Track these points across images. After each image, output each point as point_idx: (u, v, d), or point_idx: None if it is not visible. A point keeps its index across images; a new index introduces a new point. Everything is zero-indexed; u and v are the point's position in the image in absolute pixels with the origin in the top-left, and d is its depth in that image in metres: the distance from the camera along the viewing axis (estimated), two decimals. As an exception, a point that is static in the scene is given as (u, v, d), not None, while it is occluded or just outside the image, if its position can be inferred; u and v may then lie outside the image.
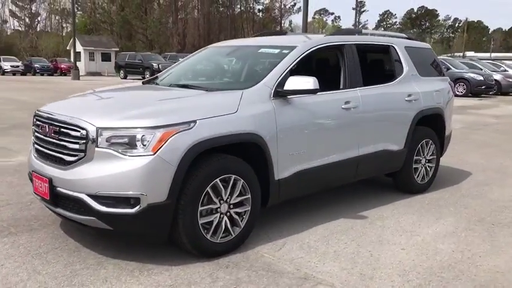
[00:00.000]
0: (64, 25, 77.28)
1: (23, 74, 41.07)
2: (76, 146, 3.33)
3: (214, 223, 3.55)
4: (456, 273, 3.43)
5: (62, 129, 3.46)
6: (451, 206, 5.05)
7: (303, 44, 4.40)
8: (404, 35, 5.85)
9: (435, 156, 5.64)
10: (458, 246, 3.95)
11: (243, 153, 3.75)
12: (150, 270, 3.34)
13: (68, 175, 3.35)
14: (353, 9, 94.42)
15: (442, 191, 5.63)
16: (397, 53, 5.30)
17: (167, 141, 3.22)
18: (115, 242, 3.77)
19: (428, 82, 5.55)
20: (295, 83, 3.93)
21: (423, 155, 5.48)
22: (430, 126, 5.59)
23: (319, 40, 4.57)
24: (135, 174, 3.18)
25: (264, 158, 3.80)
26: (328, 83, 4.53)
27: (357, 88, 4.67)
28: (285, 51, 4.32)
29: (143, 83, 5.10)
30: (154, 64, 33.64)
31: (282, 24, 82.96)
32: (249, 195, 3.73)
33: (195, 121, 3.37)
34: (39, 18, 78.34)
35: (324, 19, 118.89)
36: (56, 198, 3.45)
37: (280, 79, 3.99)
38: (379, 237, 4.10)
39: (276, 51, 4.41)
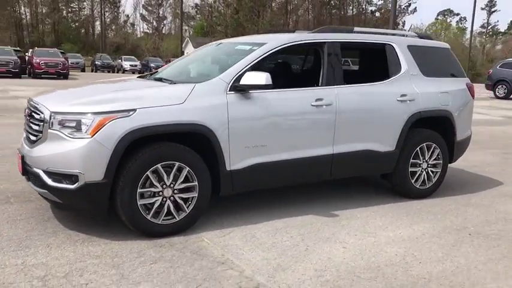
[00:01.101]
0: (186, 28, 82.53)
1: (140, 72, 44.63)
2: (37, 128, 3.84)
3: (155, 205, 3.83)
4: (376, 275, 3.35)
5: (32, 113, 4.00)
6: (440, 213, 4.79)
7: (272, 41, 4.50)
8: (414, 34, 5.62)
9: (441, 161, 5.35)
10: (407, 251, 3.80)
11: (193, 142, 3.99)
12: (91, 242, 3.73)
13: (31, 153, 3.86)
14: (482, 9, 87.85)
15: (447, 198, 5.33)
16: (394, 51, 5.14)
17: (104, 126, 3.58)
18: (90, 218, 4.21)
19: (434, 83, 5.29)
20: (250, 78, 4.08)
21: (423, 158, 5.24)
22: (435, 129, 5.32)
23: (290, 38, 4.63)
24: (75, 154, 3.59)
25: (212, 149, 4.00)
26: (306, 79, 4.58)
27: (335, 86, 4.64)
28: (254, 48, 4.46)
29: (138, 77, 5.55)
30: None
31: (397, 26, 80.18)
32: (196, 183, 3.96)
33: (134, 109, 3.69)
34: (165, 22, 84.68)
35: (448, 20, 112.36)
36: (26, 173, 3.98)
37: (238, 74, 4.16)
38: (331, 235, 4.09)
39: (248, 47, 4.58)
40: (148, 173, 3.75)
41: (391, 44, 5.16)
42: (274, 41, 4.53)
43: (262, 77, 4.05)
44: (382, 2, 78.22)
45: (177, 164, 3.86)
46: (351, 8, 79.06)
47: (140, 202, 3.76)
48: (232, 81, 4.14)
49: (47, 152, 3.71)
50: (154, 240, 3.80)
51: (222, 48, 5.31)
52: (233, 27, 66.52)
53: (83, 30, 77.65)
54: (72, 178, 3.63)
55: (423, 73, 5.26)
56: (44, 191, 3.77)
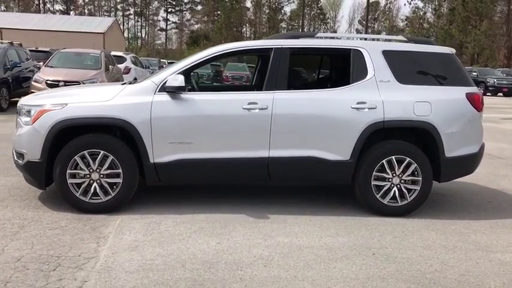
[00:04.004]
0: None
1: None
2: (17, 116, 4.97)
3: (83, 185, 4.58)
4: (223, 275, 3.40)
5: (21, 106, 5.17)
6: (372, 230, 4.39)
7: (212, 48, 4.82)
8: (403, 38, 5.13)
9: (419, 178, 4.80)
10: (273, 257, 3.74)
11: (125, 136, 4.62)
12: (36, 209, 4.66)
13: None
14: None
15: (412, 220, 4.76)
16: (361, 57, 4.84)
17: (41, 116, 4.49)
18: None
19: (411, 91, 4.79)
20: (171, 81, 4.53)
21: (393, 173, 4.80)
22: (413, 142, 4.83)
23: (233, 45, 4.85)
24: (22, 137, 4.59)
25: (134, 142, 4.57)
26: (257, 84, 4.75)
27: (275, 91, 4.69)
28: (200, 53, 4.87)
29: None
30: (489, 80, 30.26)
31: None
32: (120, 170, 4.58)
33: (66, 104, 4.51)
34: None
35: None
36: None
37: (167, 77, 4.62)
38: (230, 232, 4.22)
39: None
40: (76, 157, 4.52)
41: (359, 49, 4.87)
42: (215, 48, 4.84)
43: (176, 79, 4.46)
44: None
45: (101, 152, 4.54)
46: None
47: (70, 181, 4.55)
48: (161, 83, 4.63)
49: (15, 135, 4.79)
50: (77, 214, 4.53)
51: None
52: (442, 39, 62.81)
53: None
54: (22, 156, 4.63)
55: (399, 80, 4.82)
56: (17, 166, 4.86)
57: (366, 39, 5.08)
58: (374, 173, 4.79)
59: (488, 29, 61.53)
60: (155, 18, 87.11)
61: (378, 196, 4.82)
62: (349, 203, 5.17)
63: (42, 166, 4.54)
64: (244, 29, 77.16)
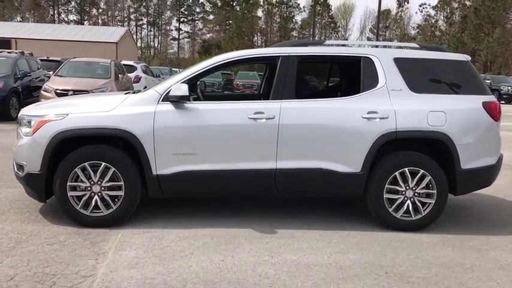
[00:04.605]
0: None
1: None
2: (18, 126, 4.85)
3: (84, 198, 4.43)
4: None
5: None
6: (385, 247, 4.17)
7: (218, 56, 4.66)
8: (415, 45, 4.93)
9: (434, 191, 4.58)
10: (279, 276, 3.55)
11: (127, 147, 4.47)
12: (36, 222, 4.51)
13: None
14: None
15: (426, 235, 4.54)
16: (372, 65, 4.65)
17: (41, 127, 4.36)
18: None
19: (425, 100, 4.58)
20: (174, 90, 4.38)
21: (406, 185, 4.58)
22: (427, 153, 4.62)
23: (240, 53, 4.69)
24: (22, 149, 4.46)
25: (136, 153, 4.41)
26: (264, 94, 4.59)
27: (283, 100, 4.52)
28: (205, 62, 4.71)
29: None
30: (503, 87, 29.91)
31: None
32: (122, 183, 4.42)
33: (67, 114, 4.37)
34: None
35: None
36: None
37: (171, 87, 4.47)
38: (235, 249, 4.03)
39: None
40: (76, 169, 4.37)
41: (369, 56, 4.68)
42: (220, 57, 4.68)
43: (180, 89, 4.31)
44: None
45: (103, 163, 4.38)
46: None
47: (70, 194, 4.40)
48: (165, 93, 4.47)
49: (15, 146, 4.66)
50: (78, 228, 4.37)
51: None
52: (454, 46, 62.28)
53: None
54: (22, 168, 4.49)
55: (412, 89, 4.62)
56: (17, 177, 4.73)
57: (377, 46, 4.89)
58: (386, 186, 4.58)
59: (501, 37, 60.93)
60: (168, 27, 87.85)
61: (390, 210, 4.60)
62: (360, 216, 4.96)
63: (42, 178, 4.40)
64: (256, 38, 77.25)
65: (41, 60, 15.97)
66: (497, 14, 60.46)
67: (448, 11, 70.77)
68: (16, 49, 26.00)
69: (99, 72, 13.18)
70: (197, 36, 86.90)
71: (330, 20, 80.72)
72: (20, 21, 68.99)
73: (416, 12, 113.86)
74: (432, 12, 72.95)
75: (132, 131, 4.36)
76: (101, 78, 12.65)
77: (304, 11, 77.64)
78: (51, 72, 14.38)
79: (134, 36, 70.55)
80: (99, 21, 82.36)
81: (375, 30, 60.78)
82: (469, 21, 62.04)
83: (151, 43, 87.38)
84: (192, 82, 4.61)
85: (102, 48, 40.38)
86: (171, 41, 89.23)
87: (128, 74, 15.88)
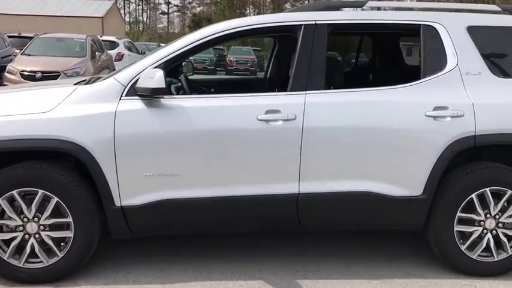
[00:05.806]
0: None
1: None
2: None
3: (14, 243, 2.97)
4: None
5: None
6: None
7: (206, 29, 3.16)
8: (496, 8, 3.44)
9: (526, 220, 3.17)
10: None
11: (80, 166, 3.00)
12: None
13: None
14: None
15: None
16: (438, 37, 3.16)
17: None
18: None
19: (515, 87, 3.14)
20: (144, 79, 2.87)
21: (488, 213, 3.16)
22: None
23: (240, 23, 3.17)
24: None
25: (89, 175, 2.93)
26: (271, 83, 3.12)
27: (307, 92, 3.03)
28: (190, 36, 3.18)
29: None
30: None
31: None
32: (70, 219, 2.95)
33: (-12, 119, 2.87)
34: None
35: None
36: None
37: (139, 74, 2.97)
38: None
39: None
40: (0, 200, 2.90)
41: (432, 24, 3.19)
42: (211, 28, 3.17)
43: (152, 77, 2.80)
44: None
45: (40, 191, 2.91)
46: None
47: (-6, 237, 2.93)
48: (130, 83, 2.98)
49: None
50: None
51: None
52: None
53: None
54: None
55: (494, 71, 3.15)
56: None
57: (443, 10, 3.39)
58: (458, 214, 3.15)
59: None
60: (156, 1, 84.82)
61: (463, 248, 3.19)
62: (413, 254, 3.55)
63: None
64: (248, 11, 74.84)
65: (11, 37, 14.24)
66: None
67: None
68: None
69: (74, 50, 11.50)
70: (187, 10, 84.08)
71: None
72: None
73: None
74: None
75: (80, 142, 2.87)
76: (74, 56, 10.99)
77: (299, -19, 75.05)
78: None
79: (122, 11, 67.78)
80: (85, -5, 79.33)
81: None
82: None
83: (140, 18, 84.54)
84: (171, 66, 3.10)
85: (85, 24, 37.96)
86: (161, 15, 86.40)
87: (109, 52, 14.22)
